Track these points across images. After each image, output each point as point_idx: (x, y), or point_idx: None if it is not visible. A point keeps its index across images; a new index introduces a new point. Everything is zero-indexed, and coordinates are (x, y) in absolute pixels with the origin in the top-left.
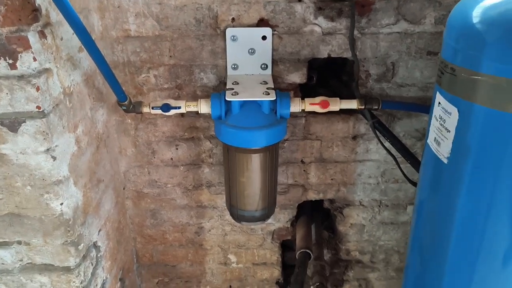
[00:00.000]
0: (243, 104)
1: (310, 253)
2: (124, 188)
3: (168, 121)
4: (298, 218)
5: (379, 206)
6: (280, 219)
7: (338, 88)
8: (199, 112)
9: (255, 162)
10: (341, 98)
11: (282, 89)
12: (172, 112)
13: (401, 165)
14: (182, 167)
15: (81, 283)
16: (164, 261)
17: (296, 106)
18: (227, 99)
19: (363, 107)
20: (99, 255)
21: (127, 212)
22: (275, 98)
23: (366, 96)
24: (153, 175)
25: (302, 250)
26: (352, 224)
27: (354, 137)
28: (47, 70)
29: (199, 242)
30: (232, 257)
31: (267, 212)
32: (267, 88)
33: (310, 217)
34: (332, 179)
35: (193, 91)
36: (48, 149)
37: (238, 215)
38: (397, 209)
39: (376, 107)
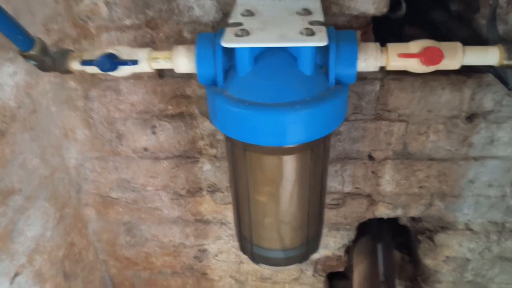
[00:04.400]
0: (261, 55)
1: None
2: (78, 192)
3: (138, 85)
4: (357, 240)
5: (500, 233)
6: (329, 245)
7: (446, 25)
8: (176, 70)
9: (286, 170)
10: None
11: (340, 26)
12: (123, 70)
13: None
14: (167, 162)
15: None
16: None
17: (371, 59)
18: (225, 44)
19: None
20: None
21: (89, 226)
22: (326, 43)
23: (506, 43)
24: (122, 173)
25: None
26: (449, 257)
27: (470, 117)
28: None
29: (201, 270)
30: None
31: (306, 250)
32: (309, 23)
33: (376, 239)
34: (421, 186)
35: (176, 32)
36: None
37: (254, 254)
38: None
39: None
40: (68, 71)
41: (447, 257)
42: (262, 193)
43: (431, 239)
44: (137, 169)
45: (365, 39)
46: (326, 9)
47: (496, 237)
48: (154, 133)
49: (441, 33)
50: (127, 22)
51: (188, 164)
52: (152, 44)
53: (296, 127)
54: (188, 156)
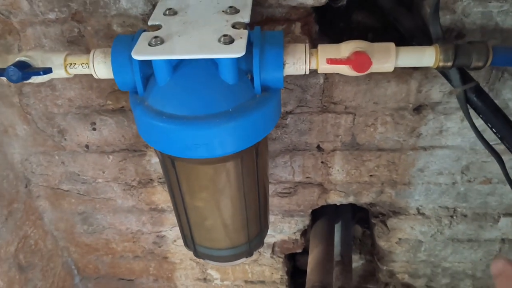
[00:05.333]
0: (181, 62)
1: None
2: (26, 186)
3: (72, 81)
4: (314, 222)
5: (452, 217)
6: (284, 230)
7: (393, 12)
8: (95, 76)
9: (217, 179)
10: (402, 37)
11: (278, 18)
12: (36, 79)
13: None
14: (112, 156)
15: None
16: (117, 274)
17: (299, 63)
18: (135, 56)
19: (449, 63)
20: None
21: (44, 217)
22: (243, 54)
23: (452, 33)
24: (70, 166)
25: None
26: (402, 239)
27: (418, 109)
28: None
29: (161, 254)
30: (214, 273)
31: (249, 247)
32: (232, 25)
33: (334, 220)
34: (371, 175)
35: (105, 25)
36: None
37: (197, 252)
38: (482, 221)
39: (481, 63)
40: None
41: (400, 239)
42: (197, 199)
43: (384, 223)
44: (84, 162)
45: (305, 31)
46: (261, 0)
47: (448, 221)
48: (94, 129)
49: (388, 21)
50: (51, 16)
51: (135, 157)
52: (81, 38)
53: (219, 140)
54: (134, 149)
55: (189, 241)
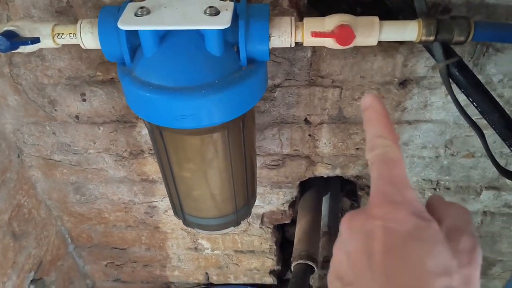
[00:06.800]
0: (167, 33)
1: (314, 266)
2: (19, 156)
3: (62, 51)
4: (303, 194)
5: (435, 189)
6: (272, 201)
7: None
8: (82, 47)
9: (203, 149)
10: (388, 11)
11: None
12: (25, 48)
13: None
14: (103, 127)
15: None
16: (109, 243)
17: (285, 36)
18: (121, 27)
19: (432, 38)
20: None
21: (37, 186)
22: (228, 26)
23: (438, 8)
24: (61, 137)
25: (299, 262)
26: None
27: (403, 83)
28: None
29: (153, 224)
30: (205, 243)
31: (237, 217)
32: None
33: (322, 192)
34: (357, 148)
35: None
36: None
37: (186, 221)
38: (465, 194)
39: (463, 38)
40: None
41: None
42: (185, 170)
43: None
44: (75, 133)
45: (293, 4)
46: None
47: (431, 193)
48: (84, 100)
49: None
50: None
51: (126, 128)
52: (69, 9)
53: (205, 111)
54: (125, 121)
55: (178, 210)
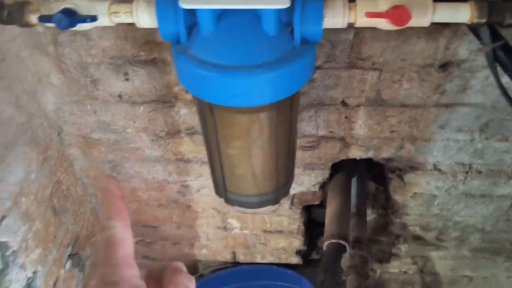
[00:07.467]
0: (224, 13)
1: (346, 245)
2: (59, 134)
3: (108, 30)
4: (332, 177)
5: (467, 173)
6: (304, 182)
7: None
8: (138, 25)
9: (252, 128)
10: None
11: None
12: (82, 26)
13: None
14: (143, 106)
15: None
16: (141, 221)
17: (338, 17)
18: (183, 5)
19: (483, 20)
20: (7, 254)
21: (75, 164)
22: (288, 5)
23: None
24: (102, 116)
25: (332, 241)
26: (417, 193)
27: (444, 66)
28: None
29: (185, 203)
30: (234, 222)
31: (276, 195)
32: None
33: (350, 175)
34: (392, 131)
35: None
36: None
37: (228, 199)
38: (496, 178)
39: None
40: (27, 25)
41: (415, 193)
42: (232, 147)
43: (400, 177)
44: (116, 112)
45: None
46: None
47: (463, 177)
48: (127, 79)
49: None
50: None
51: (165, 108)
52: None
53: (259, 90)
54: (164, 101)
55: (221, 188)
